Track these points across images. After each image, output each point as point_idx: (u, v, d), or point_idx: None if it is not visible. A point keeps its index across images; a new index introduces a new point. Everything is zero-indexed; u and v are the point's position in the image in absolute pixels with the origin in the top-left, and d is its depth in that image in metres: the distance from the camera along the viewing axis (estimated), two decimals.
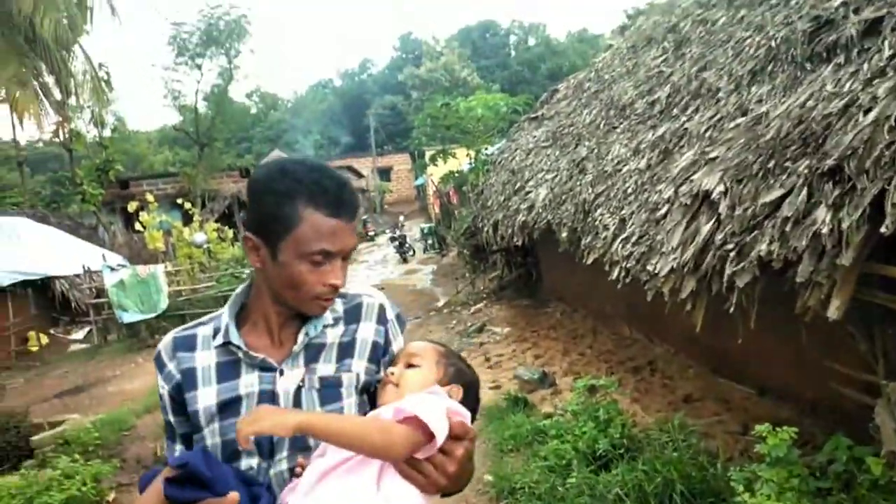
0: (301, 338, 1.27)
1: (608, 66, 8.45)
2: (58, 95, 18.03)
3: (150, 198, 14.87)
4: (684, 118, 4.82)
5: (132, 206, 14.85)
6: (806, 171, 2.82)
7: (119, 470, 5.47)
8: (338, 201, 1.19)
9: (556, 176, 7.02)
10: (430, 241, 19.95)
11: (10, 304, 12.21)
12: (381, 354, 1.35)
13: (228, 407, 1.23)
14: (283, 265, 1.19)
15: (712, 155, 3.82)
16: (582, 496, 3.49)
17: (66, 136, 19.39)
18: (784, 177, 2.98)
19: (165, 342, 1.32)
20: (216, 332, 1.29)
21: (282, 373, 1.25)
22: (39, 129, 18.56)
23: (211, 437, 1.23)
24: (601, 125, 6.78)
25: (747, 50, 4.58)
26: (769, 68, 4.12)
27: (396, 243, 19.33)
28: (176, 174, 24.08)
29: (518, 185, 8.31)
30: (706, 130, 4.28)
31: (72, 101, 19.01)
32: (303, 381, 1.25)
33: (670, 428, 3.84)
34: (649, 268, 3.82)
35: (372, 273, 17.39)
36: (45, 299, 13.23)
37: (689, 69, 5.36)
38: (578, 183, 6.06)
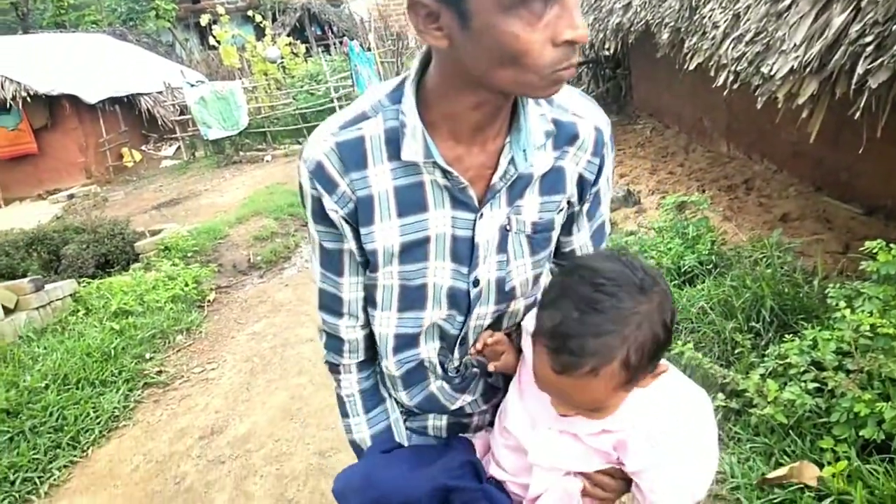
0: (504, 164, 0.92)
1: None
2: None
3: (220, 10, 14.50)
4: None
5: (204, 20, 14.59)
6: None
7: (217, 274, 5.89)
8: None
9: None
10: None
11: (102, 122, 12.72)
12: (587, 190, 1.03)
13: (412, 248, 0.95)
14: (482, 31, 0.75)
15: None
16: None
17: None
18: None
19: (325, 149, 0.91)
20: (389, 133, 0.90)
21: (481, 215, 0.94)
22: None
23: (384, 278, 0.98)
24: None
25: None
26: None
27: None
28: None
29: None
30: None
31: None
32: (509, 223, 0.96)
33: (764, 245, 3.63)
34: (764, 70, 3.36)
35: None
36: (133, 117, 13.68)
37: None
38: None
